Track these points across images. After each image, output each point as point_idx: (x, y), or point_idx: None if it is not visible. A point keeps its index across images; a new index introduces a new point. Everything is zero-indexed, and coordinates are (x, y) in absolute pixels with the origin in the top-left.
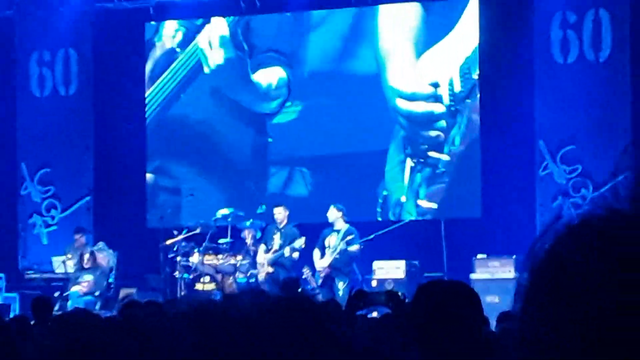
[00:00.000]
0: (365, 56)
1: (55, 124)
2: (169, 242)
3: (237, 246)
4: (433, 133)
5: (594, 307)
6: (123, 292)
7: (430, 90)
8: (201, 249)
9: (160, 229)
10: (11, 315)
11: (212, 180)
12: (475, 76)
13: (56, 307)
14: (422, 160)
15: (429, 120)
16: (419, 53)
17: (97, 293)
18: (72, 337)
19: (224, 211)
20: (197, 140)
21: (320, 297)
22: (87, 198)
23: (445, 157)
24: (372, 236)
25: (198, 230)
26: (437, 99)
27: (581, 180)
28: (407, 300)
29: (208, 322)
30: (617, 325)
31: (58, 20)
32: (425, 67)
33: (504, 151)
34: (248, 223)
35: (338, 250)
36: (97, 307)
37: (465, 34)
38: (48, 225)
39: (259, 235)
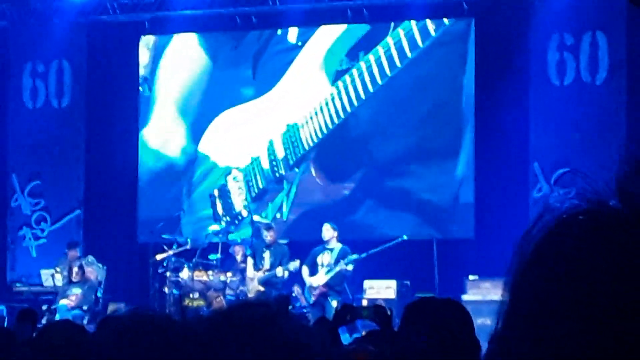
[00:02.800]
0: None
1: (47, 136)
2: (158, 257)
3: (227, 263)
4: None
5: (585, 306)
6: (111, 307)
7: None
8: (191, 264)
9: (150, 244)
10: None
11: None
12: (307, 146)
13: (44, 320)
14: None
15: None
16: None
17: (85, 307)
18: (55, 349)
19: (215, 227)
20: None
21: (310, 316)
22: (78, 211)
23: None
24: (364, 255)
25: (188, 246)
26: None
27: (576, 203)
28: (393, 316)
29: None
30: (612, 323)
31: (52, 31)
32: (248, 132)
33: (498, 172)
34: (238, 239)
35: (337, 270)
36: (85, 321)
37: (287, 99)
38: (37, 238)
39: (249, 251)
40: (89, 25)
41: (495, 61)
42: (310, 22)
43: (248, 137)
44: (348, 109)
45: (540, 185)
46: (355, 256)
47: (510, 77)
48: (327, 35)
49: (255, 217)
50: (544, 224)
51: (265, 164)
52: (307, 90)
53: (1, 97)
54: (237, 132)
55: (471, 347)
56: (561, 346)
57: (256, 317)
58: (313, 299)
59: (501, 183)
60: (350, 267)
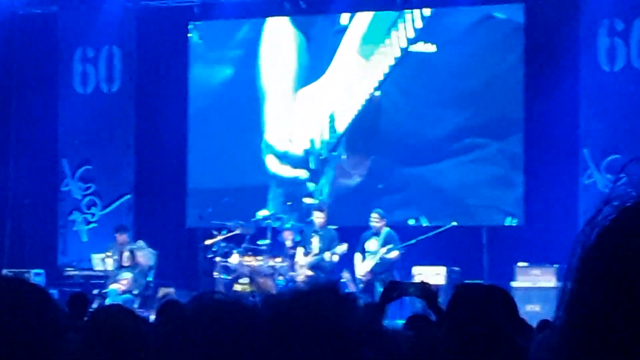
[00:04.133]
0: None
1: (97, 121)
2: (208, 242)
3: (277, 248)
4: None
5: None
6: (162, 291)
7: (299, 150)
8: (240, 250)
9: (199, 229)
10: None
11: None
12: (340, 131)
13: (94, 305)
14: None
15: (294, 182)
16: (295, 90)
17: (135, 291)
18: (108, 334)
19: (264, 212)
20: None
21: (361, 302)
22: (128, 196)
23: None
24: (413, 241)
25: (238, 231)
26: (304, 160)
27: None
28: (439, 298)
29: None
30: None
31: (102, 17)
32: (300, 109)
33: (547, 158)
34: (288, 225)
35: (379, 256)
36: (136, 305)
37: (333, 82)
38: (88, 223)
39: (298, 238)
40: (138, 11)
41: (545, 47)
42: (359, 7)
43: (308, 122)
44: (372, 86)
45: (590, 172)
46: (390, 246)
47: (560, 63)
48: (366, 19)
49: (307, 200)
50: (606, 213)
51: (317, 144)
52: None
53: (52, 83)
54: (296, 118)
55: (515, 332)
56: (624, 335)
57: (323, 303)
58: (361, 285)
59: (551, 169)
60: (392, 255)
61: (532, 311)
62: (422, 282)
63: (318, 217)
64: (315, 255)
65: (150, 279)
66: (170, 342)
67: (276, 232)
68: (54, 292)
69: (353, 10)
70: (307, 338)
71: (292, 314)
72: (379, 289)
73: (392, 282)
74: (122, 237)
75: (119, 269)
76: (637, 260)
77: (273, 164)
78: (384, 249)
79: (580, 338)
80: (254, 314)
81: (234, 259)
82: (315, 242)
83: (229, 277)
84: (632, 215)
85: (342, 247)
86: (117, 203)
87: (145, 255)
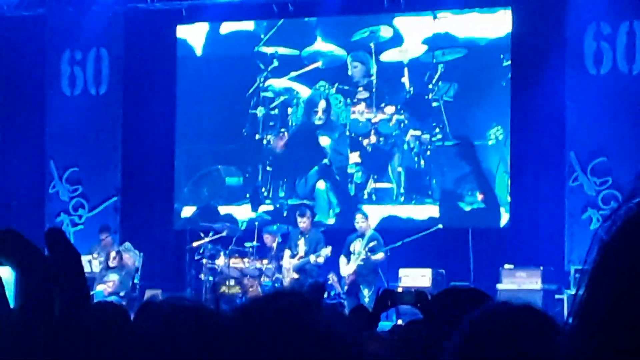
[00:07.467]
0: None
1: (84, 124)
2: (195, 244)
3: (263, 250)
4: None
5: None
6: (148, 293)
7: None
8: (227, 251)
9: (186, 230)
10: None
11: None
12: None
13: None
14: None
15: None
16: None
17: (122, 293)
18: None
19: (251, 214)
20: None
21: (345, 304)
22: (115, 198)
23: None
24: (399, 243)
25: (225, 233)
26: None
27: (611, 193)
28: None
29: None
30: None
31: (90, 19)
32: None
33: (534, 162)
34: (275, 227)
35: (362, 257)
36: None
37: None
38: (75, 225)
39: (279, 240)
40: (126, 13)
41: (531, 50)
42: (347, 11)
43: None
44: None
45: (576, 174)
46: (373, 243)
47: (547, 66)
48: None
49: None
50: (625, 211)
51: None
52: None
53: (39, 85)
54: None
55: None
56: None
57: (288, 307)
58: (346, 287)
59: (537, 172)
60: (377, 257)
61: None
62: (417, 290)
63: (302, 222)
64: (301, 257)
65: (136, 280)
66: (142, 342)
67: (263, 235)
68: None
69: (341, 13)
70: (271, 344)
71: (256, 320)
72: (363, 291)
73: (386, 291)
74: (106, 239)
75: (105, 270)
76: None
77: None
78: (366, 251)
79: (593, 341)
80: (218, 320)
81: (221, 260)
82: (301, 245)
83: (216, 279)
84: None
85: (326, 250)
86: (104, 205)
87: (132, 257)
